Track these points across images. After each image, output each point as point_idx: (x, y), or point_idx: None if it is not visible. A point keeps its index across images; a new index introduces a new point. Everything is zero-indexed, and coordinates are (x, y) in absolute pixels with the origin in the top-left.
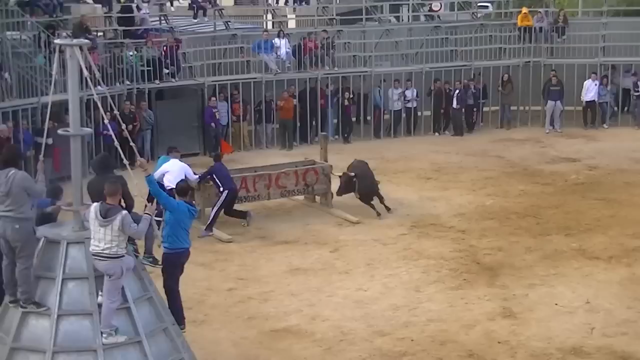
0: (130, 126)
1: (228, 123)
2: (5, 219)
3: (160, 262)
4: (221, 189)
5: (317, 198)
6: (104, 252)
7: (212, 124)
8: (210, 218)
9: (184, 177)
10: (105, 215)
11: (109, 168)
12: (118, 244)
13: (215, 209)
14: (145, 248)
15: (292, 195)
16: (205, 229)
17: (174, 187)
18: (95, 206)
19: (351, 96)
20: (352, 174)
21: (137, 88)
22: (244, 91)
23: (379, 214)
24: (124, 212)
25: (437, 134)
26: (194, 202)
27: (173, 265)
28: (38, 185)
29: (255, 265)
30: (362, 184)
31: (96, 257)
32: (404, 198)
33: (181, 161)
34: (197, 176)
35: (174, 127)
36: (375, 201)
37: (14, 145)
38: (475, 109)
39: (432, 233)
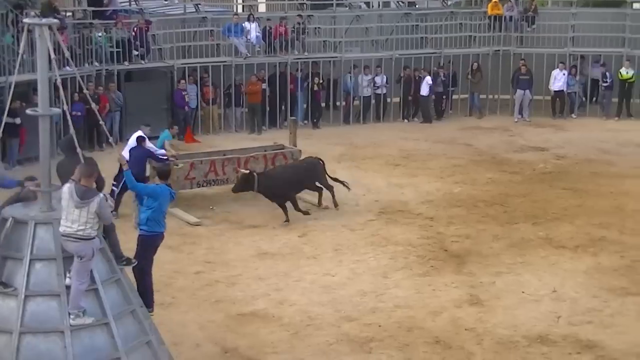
0: (96, 105)
1: (197, 106)
2: None
3: (133, 259)
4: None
5: None
6: (77, 233)
7: (185, 107)
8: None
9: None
10: (82, 196)
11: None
12: (92, 226)
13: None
14: (114, 252)
15: None
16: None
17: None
18: (69, 186)
19: (321, 81)
20: (248, 171)
21: (106, 69)
22: (214, 74)
23: (287, 220)
24: (101, 194)
25: (406, 120)
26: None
27: (148, 248)
28: None
29: (223, 249)
30: (265, 184)
31: (68, 238)
32: (372, 184)
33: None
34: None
35: (142, 109)
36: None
37: None
38: (444, 97)
39: (400, 220)
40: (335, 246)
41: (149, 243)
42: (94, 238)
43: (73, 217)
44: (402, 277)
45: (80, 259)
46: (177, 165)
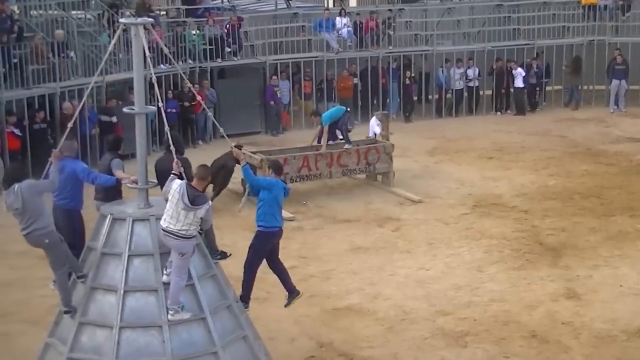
0: (188, 103)
1: (289, 102)
2: (31, 236)
3: (228, 253)
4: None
5: (379, 177)
6: (180, 232)
7: (272, 102)
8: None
9: None
10: (193, 201)
11: (178, 145)
12: (195, 227)
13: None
14: (210, 247)
15: (354, 174)
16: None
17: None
18: (181, 186)
19: (412, 75)
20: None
21: (200, 67)
22: (305, 70)
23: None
24: (210, 202)
25: (499, 113)
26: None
27: (264, 244)
28: (43, 182)
29: (317, 244)
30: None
31: (169, 235)
32: (465, 177)
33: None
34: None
35: (235, 106)
36: None
37: (19, 163)
38: (537, 89)
39: (494, 213)
40: (429, 240)
41: (266, 239)
42: (194, 236)
43: (179, 217)
44: (496, 270)
45: (182, 256)
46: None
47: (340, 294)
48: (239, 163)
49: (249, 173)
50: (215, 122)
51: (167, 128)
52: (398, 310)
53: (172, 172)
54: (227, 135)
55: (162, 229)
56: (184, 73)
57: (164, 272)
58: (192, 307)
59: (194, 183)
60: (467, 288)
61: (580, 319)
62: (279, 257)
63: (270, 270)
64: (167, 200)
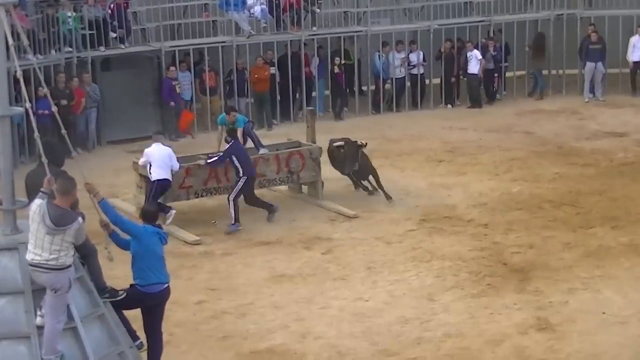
0: (65, 101)
1: (192, 98)
2: None
3: (120, 291)
4: (241, 173)
5: (304, 188)
6: (48, 262)
7: (171, 102)
8: (232, 208)
9: (171, 166)
10: (58, 222)
11: (56, 156)
12: (67, 253)
13: (233, 196)
14: (95, 282)
15: (273, 185)
16: (232, 224)
17: (161, 179)
18: (40, 206)
19: (343, 62)
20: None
21: (78, 57)
22: (211, 58)
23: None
24: (81, 220)
25: (449, 106)
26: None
27: (138, 302)
28: None
29: (230, 272)
30: None
31: (36, 269)
32: (410, 185)
33: (165, 146)
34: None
35: (124, 105)
36: None
37: None
38: (495, 75)
39: (446, 228)
40: (368, 264)
41: (142, 299)
42: (69, 266)
43: (43, 244)
44: (451, 298)
45: (55, 292)
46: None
47: (260, 334)
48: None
49: (111, 210)
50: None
51: (36, 134)
52: (332, 351)
53: (42, 189)
54: (115, 141)
55: (29, 263)
56: (57, 65)
57: (38, 312)
58: (75, 355)
59: (56, 201)
60: (416, 321)
61: (556, 356)
62: (160, 327)
63: (172, 306)
64: None
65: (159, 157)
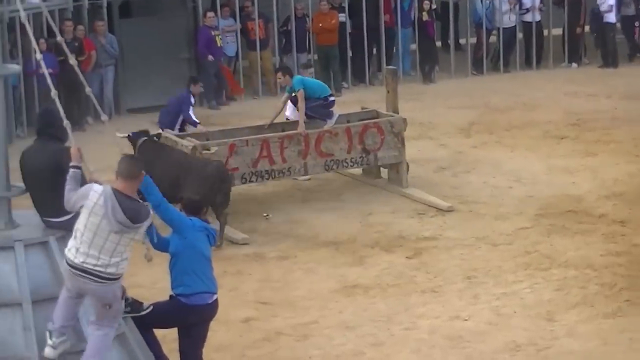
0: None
1: (237, 53)
2: None
3: (147, 305)
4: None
5: (384, 172)
6: (107, 270)
7: (210, 56)
8: None
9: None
10: (134, 217)
11: (56, 128)
12: (126, 259)
13: None
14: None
15: (343, 167)
16: None
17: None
18: (105, 195)
19: (433, 7)
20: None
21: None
22: (261, 2)
23: None
24: (151, 213)
25: (574, 64)
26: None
27: (181, 319)
28: None
29: (287, 281)
30: None
31: (86, 275)
32: (522, 169)
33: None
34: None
35: (149, 62)
36: None
37: None
38: (637, 24)
39: (570, 226)
40: (467, 272)
41: (186, 313)
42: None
43: (105, 245)
44: (577, 319)
45: (109, 308)
46: (208, 150)
47: None
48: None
49: (153, 188)
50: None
51: (54, 92)
52: None
53: (72, 165)
54: (137, 109)
55: (73, 265)
56: (63, 10)
57: (49, 342)
58: None
59: (120, 187)
60: (530, 348)
61: None
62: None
63: (213, 325)
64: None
65: None
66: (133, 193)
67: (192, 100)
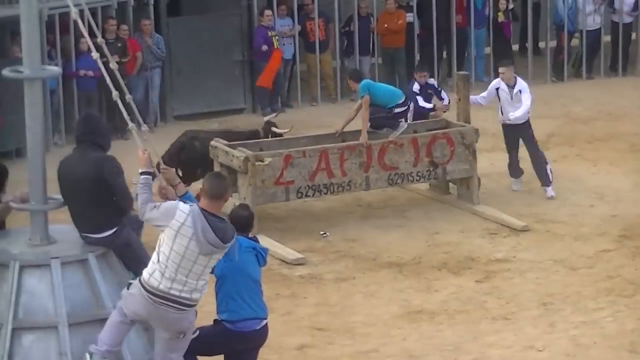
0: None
1: (295, 55)
2: None
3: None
4: None
5: (453, 187)
6: (192, 297)
7: (265, 57)
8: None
9: None
10: (224, 237)
11: (98, 136)
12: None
13: None
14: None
15: (408, 181)
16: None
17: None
18: (193, 214)
19: (510, 6)
20: None
21: None
22: (322, 0)
23: None
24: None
25: None
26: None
27: (226, 345)
28: None
29: (345, 305)
30: None
31: (169, 304)
32: (606, 186)
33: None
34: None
35: (199, 64)
36: None
37: None
38: None
39: None
40: (543, 298)
41: (231, 339)
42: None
43: (192, 269)
44: None
45: (182, 337)
46: (262, 162)
47: None
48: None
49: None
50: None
51: (115, 93)
52: None
53: (142, 171)
54: (185, 116)
55: (155, 294)
56: (106, 7)
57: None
58: None
59: (206, 206)
60: None
61: None
62: None
63: (264, 351)
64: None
65: None
66: (219, 211)
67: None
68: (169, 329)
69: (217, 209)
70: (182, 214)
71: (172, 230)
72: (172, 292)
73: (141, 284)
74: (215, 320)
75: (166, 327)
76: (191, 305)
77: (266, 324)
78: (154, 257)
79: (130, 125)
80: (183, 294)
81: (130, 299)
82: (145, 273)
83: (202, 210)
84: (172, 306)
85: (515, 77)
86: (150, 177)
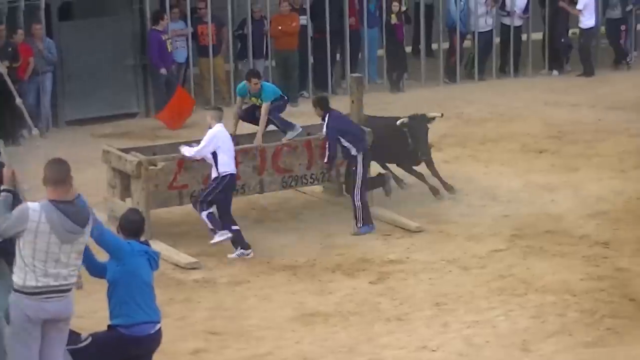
0: (7, 63)
1: (188, 59)
2: None
3: (86, 336)
4: (353, 152)
5: (347, 188)
6: (68, 280)
7: (162, 68)
8: (358, 204)
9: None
10: (79, 220)
11: None
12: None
13: (357, 191)
14: None
15: (302, 184)
16: (360, 226)
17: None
18: (44, 210)
19: (403, 9)
20: None
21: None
22: (215, 3)
23: None
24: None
25: (555, 72)
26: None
27: (121, 352)
28: None
29: (240, 309)
30: None
31: (51, 296)
32: (498, 186)
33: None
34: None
35: (92, 69)
36: None
37: None
38: (623, 27)
39: (549, 248)
40: (436, 298)
41: (126, 345)
42: None
43: (60, 259)
44: (554, 349)
45: (67, 326)
46: (155, 166)
47: None
48: None
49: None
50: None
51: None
52: None
53: (3, 188)
54: (78, 121)
55: (36, 292)
56: None
57: None
58: None
59: (53, 195)
60: None
61: None
62: None
63: (158, 357)
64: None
65: (228, 141)
66: (67, 195)
67: None
68: (60, 318)
69: (65, 194)
70: (35, 213)
71: (31, 231)
72: (51, 284)
73: (19, 292)
74: (109, 326)
75: (55, 324)
76: (70, 288)
77: (160, 328)
78: (19, 262)
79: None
80: (60, 282)
81: (20, 310)
82: (19, 280)
83: (51, 201)
84: (56, 296)
85: None
86: (9, 195)
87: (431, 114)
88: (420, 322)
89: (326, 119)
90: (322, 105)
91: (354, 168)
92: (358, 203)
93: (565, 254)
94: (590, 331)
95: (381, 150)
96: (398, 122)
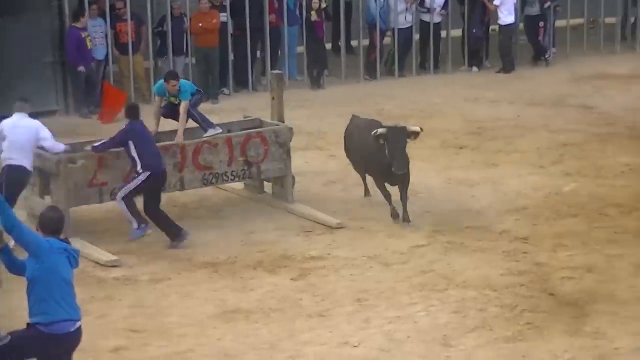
0: None
1: (107, 56)
2: None
3: (4, 336)
4: (139, 167)
5: (267, 186)
6: None
7: (81, 66)
8: (125, 209)
9: (39, 149)
10: None
11: None
12: None
13: (122, 194)
14: None
15: (223, 181)
16: (136, 228)
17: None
18: None
19: (323, 5)
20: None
21: None
22: (135, 1)
23: None
24: None
25: (475, 69)
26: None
27: (41, 349)
28: None
29: (161, 307)
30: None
31: None
32: (418, 183)
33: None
34: (65, 146)
35: (10, 65)
36: None
37: None
38: (540, 24)
39: (469, 243)
40: (357, 294)
41: (47, 344)
42: None
43: None
44: (475, 344)
45: None
46: (74, 164)
47: None
48: None
49: (4, 208)
50: None
51: None
52: None
53: None
54: None
55: None
56: None
57: None
58: None
59: None
60: None
61: None
62: None
63: (78, 356)
64: None
65: (15, 134)
66: None
67: None
68: None
69: None
70: None
71: None
72: None
73: None
74: (28, 324)
75: None
76: None
77: (80, 326)
78: None
79: None
80: None
81: None
82: None
83: None
84: None
85: None
86: None
87: (412, 128)
88: (342, 318)
89: (127, 125)
90: (130, 113)
91: (135, 175)
92: (122, 204)
93: (485, 250)
94: (510, 326)
95: (360, 157)
96: (373, 133)
